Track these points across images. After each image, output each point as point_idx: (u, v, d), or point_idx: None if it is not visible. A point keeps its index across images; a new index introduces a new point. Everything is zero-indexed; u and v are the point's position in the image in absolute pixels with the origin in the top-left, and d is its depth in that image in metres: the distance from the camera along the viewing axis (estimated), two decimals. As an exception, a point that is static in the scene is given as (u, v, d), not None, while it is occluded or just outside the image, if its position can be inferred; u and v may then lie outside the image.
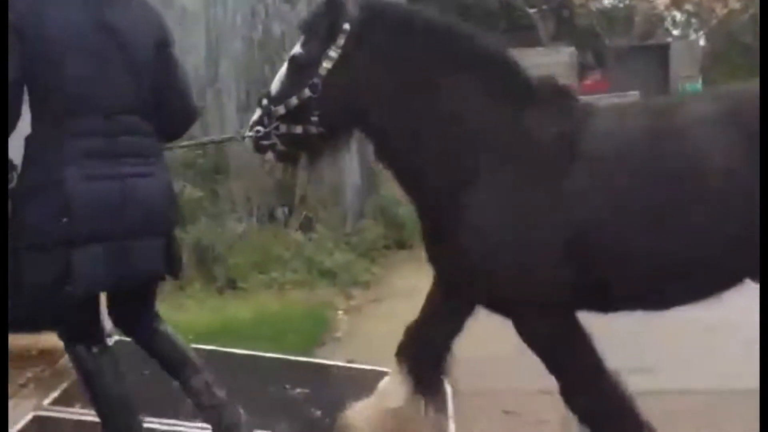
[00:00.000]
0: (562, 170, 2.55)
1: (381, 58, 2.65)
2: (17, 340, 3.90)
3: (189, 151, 7.52)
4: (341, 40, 2.64)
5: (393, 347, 3.03)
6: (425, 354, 2.94)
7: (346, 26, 2.64)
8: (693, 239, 2.51)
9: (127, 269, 2.55)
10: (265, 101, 2.77)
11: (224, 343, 4.82)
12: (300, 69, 2.71)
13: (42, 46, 2.43)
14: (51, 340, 3.91)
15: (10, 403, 3.27)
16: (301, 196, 7.72)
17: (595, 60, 24.59)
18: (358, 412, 2.99)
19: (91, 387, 2.67)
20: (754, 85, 2.61)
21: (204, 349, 3.88)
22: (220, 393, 2.77)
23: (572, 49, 22.38)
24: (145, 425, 2.83)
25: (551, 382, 2.77)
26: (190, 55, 7.96)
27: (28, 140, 2.52)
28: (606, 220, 2.54)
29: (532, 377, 3.09)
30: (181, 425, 3.17)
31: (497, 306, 2.74)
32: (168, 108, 2.74)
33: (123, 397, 2.68)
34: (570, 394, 2.73)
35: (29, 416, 3.18)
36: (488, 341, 3.53)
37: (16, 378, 3.51)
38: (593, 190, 2.54)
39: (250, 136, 2.78)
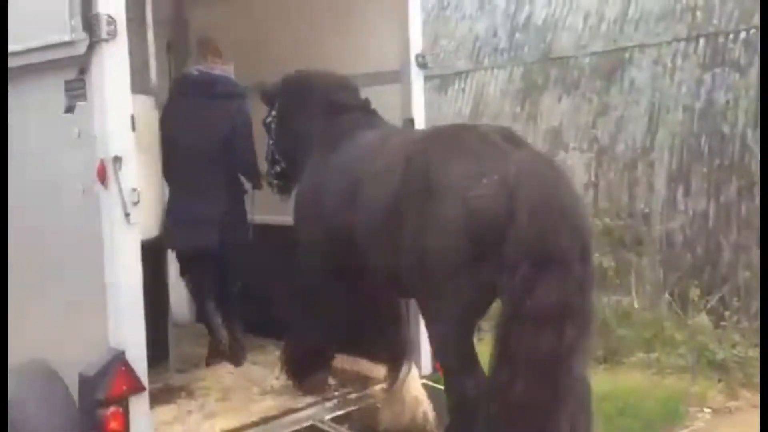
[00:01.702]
0: (326, 160, 3.99)
1: (283, 108, 4.43)
2: (358, 365, 4.78)
3: (612, 221, 7.71)
4: (277, 104, 4.48)
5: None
6: None
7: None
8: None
9: (195, 239, 4.52)
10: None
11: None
12: (268, 130, 4.54)
13: (172, 137, 4.42)
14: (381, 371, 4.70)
15: (308, 411, 4.18)
16: (723, 279, 7.14)
17: None
18: None
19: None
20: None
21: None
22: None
23: None
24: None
25: None
26: (631, 124, 8.13)
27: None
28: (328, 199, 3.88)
29: None
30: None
31: None
32: (238, 161, 4.67)
33: None
34: None
35: (306, 423, 4.04)
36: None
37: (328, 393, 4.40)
38: (328, 181, 3.91)
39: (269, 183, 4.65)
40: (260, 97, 4.59)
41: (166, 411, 4.14)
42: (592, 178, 8.18)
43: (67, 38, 3.22)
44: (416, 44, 4.63)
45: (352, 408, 4.27)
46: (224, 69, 4.79)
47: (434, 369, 4.77)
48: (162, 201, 4.60)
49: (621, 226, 7.65)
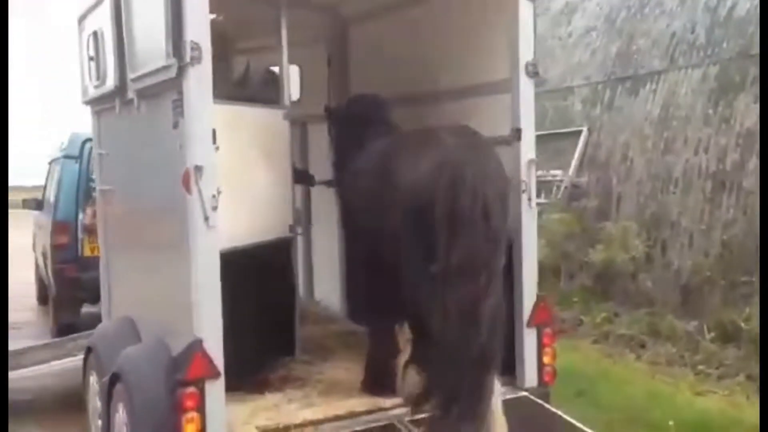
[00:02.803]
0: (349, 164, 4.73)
1: (336, 123, 5.24)
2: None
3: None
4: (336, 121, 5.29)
5: None
6: None
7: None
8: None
9: None
10: None
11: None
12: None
13: None
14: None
15: (394, 411, 4.33)
16: None
17: None
18: None
19: None
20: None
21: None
22: None
23: None
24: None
25: None
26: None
27: None
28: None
29: None
30: None
31: None
32: None
33: None
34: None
35: (386, 422, 4.20)
36: None
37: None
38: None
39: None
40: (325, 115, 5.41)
41: (271, 398, 4.54)
42: (787, 187, 7.34)
43: (163, 63, 3.70)
44: (526, 52, 4.58)
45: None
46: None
47: (540, 382, 4.69)
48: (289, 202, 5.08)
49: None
